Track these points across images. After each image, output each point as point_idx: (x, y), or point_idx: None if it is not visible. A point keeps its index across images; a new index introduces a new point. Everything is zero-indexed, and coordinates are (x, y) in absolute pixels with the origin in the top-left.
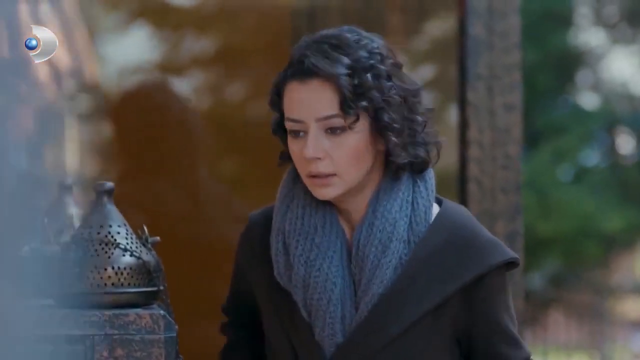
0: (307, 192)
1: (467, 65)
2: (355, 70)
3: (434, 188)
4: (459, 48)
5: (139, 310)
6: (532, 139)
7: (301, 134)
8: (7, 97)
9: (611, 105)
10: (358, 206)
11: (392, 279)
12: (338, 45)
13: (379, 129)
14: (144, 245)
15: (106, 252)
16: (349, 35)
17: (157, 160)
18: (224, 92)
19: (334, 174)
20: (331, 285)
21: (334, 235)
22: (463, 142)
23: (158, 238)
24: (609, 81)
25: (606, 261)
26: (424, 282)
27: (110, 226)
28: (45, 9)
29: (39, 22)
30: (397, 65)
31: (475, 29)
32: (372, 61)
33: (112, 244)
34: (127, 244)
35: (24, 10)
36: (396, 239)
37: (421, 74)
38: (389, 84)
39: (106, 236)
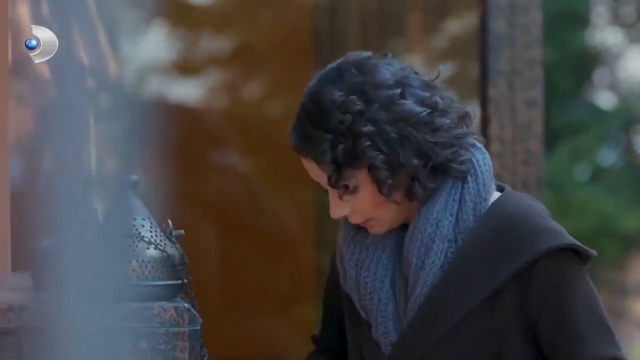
0: None
1: (488, 61)
2: (333, 140)
3: (486, 180)
4: (480, 44)
5: (164, 303)
6: (551, 138)
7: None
8: (81, 99)
9: (628, 104)
10: (413, 211)
11: (439, 277)
12: (314, 114)
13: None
14: (168, 238)
15: (130, 245)
16: (328, 92)
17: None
18: (242, 91)
19: (370, 220)
20: (379, 284)
21: (384, 237)
22: (484, 138)
23: (182, 231)
24: (626, 81)
25: (624, 261)
26: (468, 278)
27: (135, 219)
28: (67, 7)
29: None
30: (393, 94)
31: (497, 24)
32: (350, 123)
33: (137, 237)
34: (152, 237)
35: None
36: (439, 239)
37: (442, 72)
38: (375, 130)
39: (130, 229)
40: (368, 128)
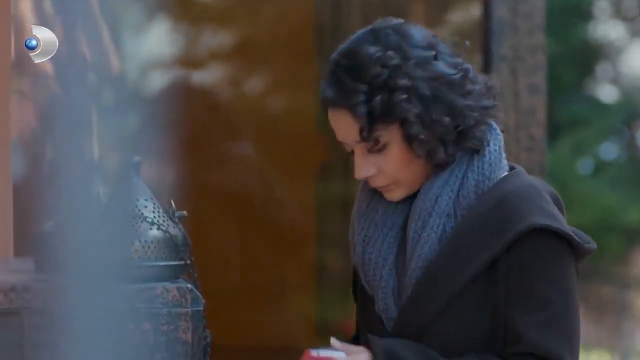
0: None
1: (491, 48)
2: (370, 93)
3: (493, 160)
4: (483, 31)
5: (166, 284)
6: (553, 132)
7: (352, 151)
8: (84, 94)
9: (631, 98)
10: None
11: (437, 252)
12: (351, 68)
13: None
14: (171, 219)
15: (133, 226)
16: (365, 49)
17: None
18: (244, 85)
19: (392, 183)
20: (382, 261)
21: (393, 213)
22: None
23: (185, 212)
24: (628, 74)
25: (627, 255)
26: (464, 252)
27: (138, 200)
28: (70, 3)
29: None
30: (428, 55)
31: (500, 10)
32: (386, 77)
33: (140, 218)
34: (154, 217)
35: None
36: (437, 214)
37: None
38: (411, 85)
39: (133, 210)
40: (404, 82)
